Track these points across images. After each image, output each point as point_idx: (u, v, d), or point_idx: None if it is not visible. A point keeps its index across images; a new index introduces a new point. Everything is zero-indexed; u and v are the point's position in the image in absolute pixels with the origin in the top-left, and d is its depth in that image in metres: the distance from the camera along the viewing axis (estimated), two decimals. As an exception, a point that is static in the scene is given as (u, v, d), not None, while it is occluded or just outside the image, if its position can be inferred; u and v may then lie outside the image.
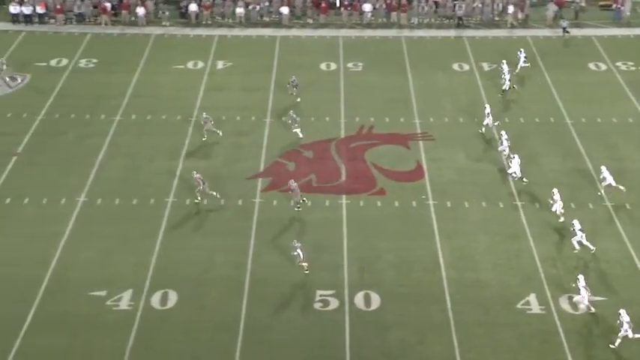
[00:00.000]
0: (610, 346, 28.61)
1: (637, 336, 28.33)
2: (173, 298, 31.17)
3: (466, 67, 49.09)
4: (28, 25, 52.70)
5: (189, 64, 49.24)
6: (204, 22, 54.49)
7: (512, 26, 54.55)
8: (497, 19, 55.52)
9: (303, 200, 35.97)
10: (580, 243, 33.29)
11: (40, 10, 53.03)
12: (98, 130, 41.61)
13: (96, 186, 37.30)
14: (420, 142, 41.44)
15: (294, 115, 41.16)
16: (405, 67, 48.64)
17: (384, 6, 55.45)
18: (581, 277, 30.36)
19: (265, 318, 30.36)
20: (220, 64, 49.51)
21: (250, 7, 55.12)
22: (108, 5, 53.67)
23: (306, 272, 32.26)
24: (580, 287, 30.16)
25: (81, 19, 53.42)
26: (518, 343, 29.18)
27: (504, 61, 45.82)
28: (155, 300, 31.03)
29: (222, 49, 51.44)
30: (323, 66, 49.60)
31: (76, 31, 52.63)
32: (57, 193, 36.65)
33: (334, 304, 31.08)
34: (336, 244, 34.18)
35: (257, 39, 53.09)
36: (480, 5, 55.71)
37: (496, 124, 41.46)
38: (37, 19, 53.00)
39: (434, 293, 31.47)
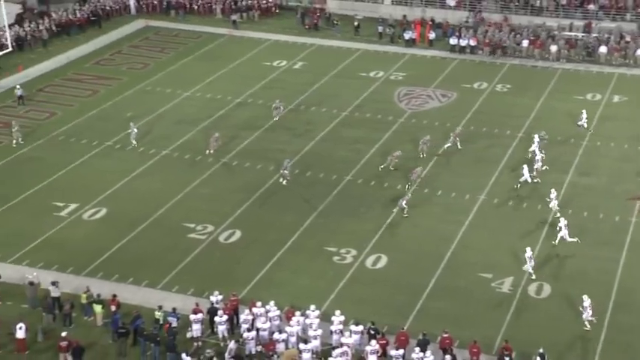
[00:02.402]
0: None
1: None
2: (547, 290, 29.39)
3: None
4: (461, 54, 53.20)
5: (588, 96, 46.00)
6: (607, 62, 50.52)
7: None
8: None
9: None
10: (562, 238, 30.94)
11: (472, 42, 53.27)
12: (502, 143, 40.60)
13: (495, 187, 36.46)
14: None
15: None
16: None
17: None
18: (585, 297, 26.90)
19: (627, 322, 27.41)
20: (616, 98, 45.62)
21: (653, 50, 50.14)
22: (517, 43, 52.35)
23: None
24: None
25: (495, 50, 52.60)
26: None
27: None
28: (531, 289, 29.50)
29: (620, 85, 47.34)
30: None
31: (497, 62, 51.89)
32: (463, 189, 36.33)
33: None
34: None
35: (654, 78, 48.16)
36: None
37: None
38: (469, 50, 53.30)
39: None
